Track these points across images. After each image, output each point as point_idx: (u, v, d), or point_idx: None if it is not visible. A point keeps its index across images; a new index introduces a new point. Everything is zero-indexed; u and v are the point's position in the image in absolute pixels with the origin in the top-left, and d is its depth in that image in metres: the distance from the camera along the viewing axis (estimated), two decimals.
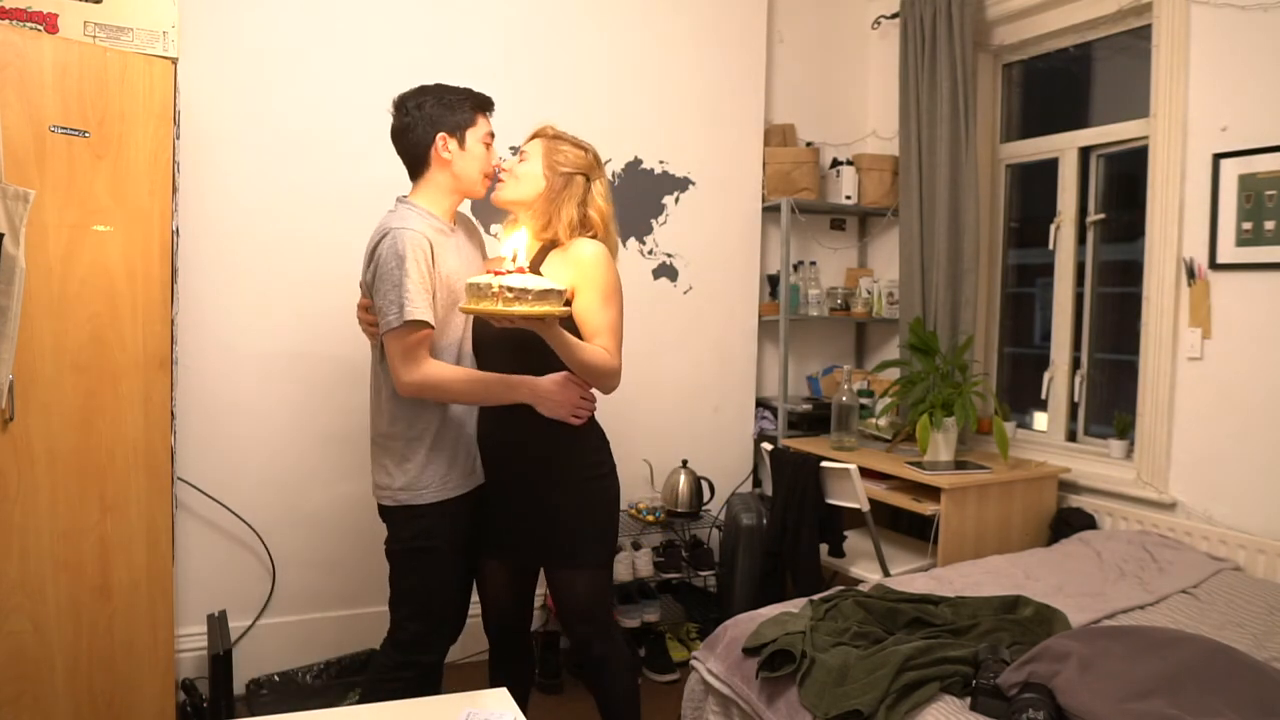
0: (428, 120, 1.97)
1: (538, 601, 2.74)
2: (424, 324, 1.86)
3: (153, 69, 2.17)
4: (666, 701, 2.82)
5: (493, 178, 2.07)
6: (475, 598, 2.17)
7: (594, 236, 2.01)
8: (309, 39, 2.87)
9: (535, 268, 1.96)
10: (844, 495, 2.84)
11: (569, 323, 1.91)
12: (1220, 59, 2.65)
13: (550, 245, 2.02)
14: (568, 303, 1.89)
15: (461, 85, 2.04)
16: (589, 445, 2.03)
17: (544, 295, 1.67)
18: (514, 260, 1.72)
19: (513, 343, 1.88)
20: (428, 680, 2.03)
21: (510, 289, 1.64)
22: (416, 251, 1.86)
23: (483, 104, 2.04)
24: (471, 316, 1.95)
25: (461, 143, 1.99)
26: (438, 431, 1.98)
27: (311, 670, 2.84)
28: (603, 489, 2.05)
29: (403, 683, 1.97)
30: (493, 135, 2.05)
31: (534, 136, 2.07)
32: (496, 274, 1.67)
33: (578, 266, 1.94)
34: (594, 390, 1.99)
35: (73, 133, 2.05)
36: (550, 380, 1.92)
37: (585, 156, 2.04)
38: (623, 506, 3.25)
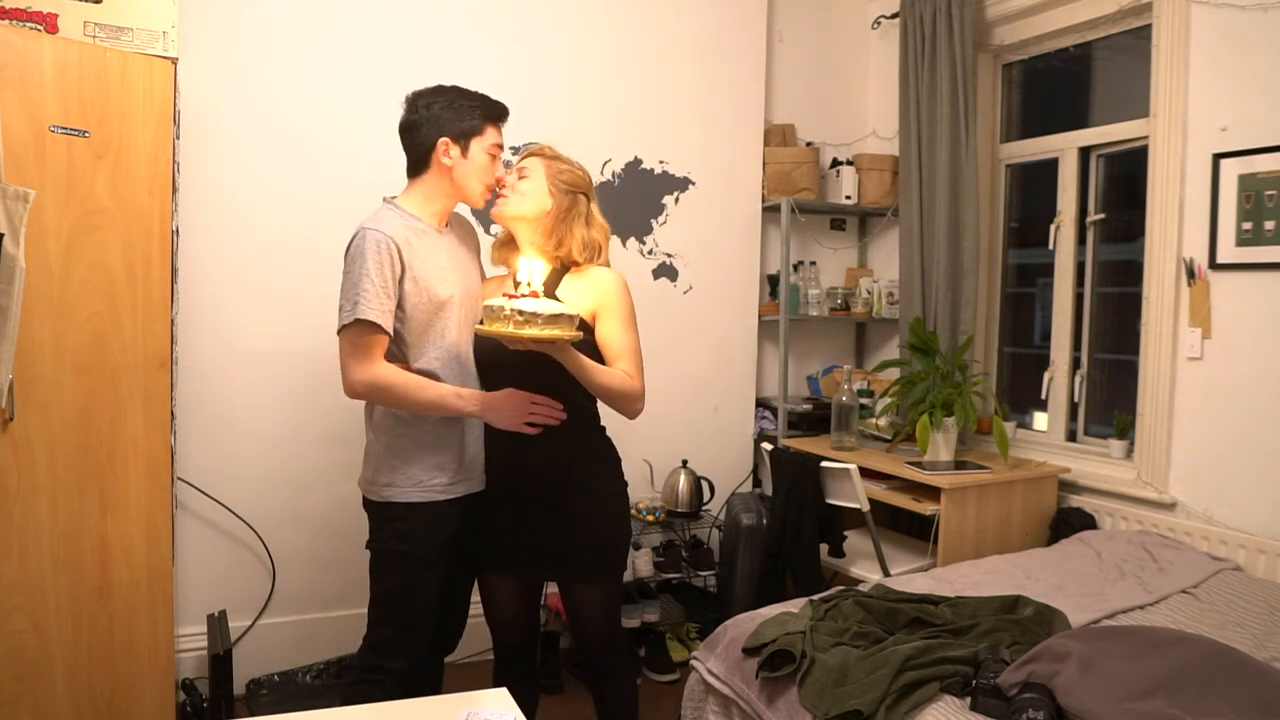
0: (434, 122, 1.94)
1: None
2: (375, 326, 1.84)
3: (153, 69, 2.17)
4: (666, 701, 2.82)
5: (494, 190, 2.02)
6: (472, 606, 2.15)
7: (598, 253, 2.03)
8: (309, 39, 2.87)
9: (551, 290, 1.96)
10: (844, 495, 2.84)
11: (591, 347, 1.92)
12: (1220, 59, 2.65)
13: (563, 268, 2.01)
14: (584, 327, 1.90)
15: (478, 91, 2.00)
16: (612, 460, 2.04)
17: (554, 319, 1.69)
18: (529, 285, 1.75)
19: (523, 366, 1.86)
20: (403, 689, 1.91)
21: (521, 312, 1.67)
22: (380, 253, 1.84)
23: (495, 114, 1.99)
24: (455, 324, 1.96)
25: (465, 150, 1.95)
26: (426, 432, 1.95)
27: (311, 670, 2.84)
28: (624, 504, 2.07)
29: (371, 686, 1.92)
30: (500, 147, 2.00)
31: (530, 155, 2.03)
32: (509, 297, 1.71)
33: (599, 293, 1.95)
34: (617, 413, 1.97)
35: (73, 133, 2.05)
36: (500, 393, 1.92)
37: (584, 176, 2.03)
38: None
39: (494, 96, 2.02)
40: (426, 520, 1.95)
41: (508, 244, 2.07)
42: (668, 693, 2.90)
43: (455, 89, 1.99)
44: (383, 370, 1.87)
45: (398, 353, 1.95)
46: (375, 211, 1.97)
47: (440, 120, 1.94)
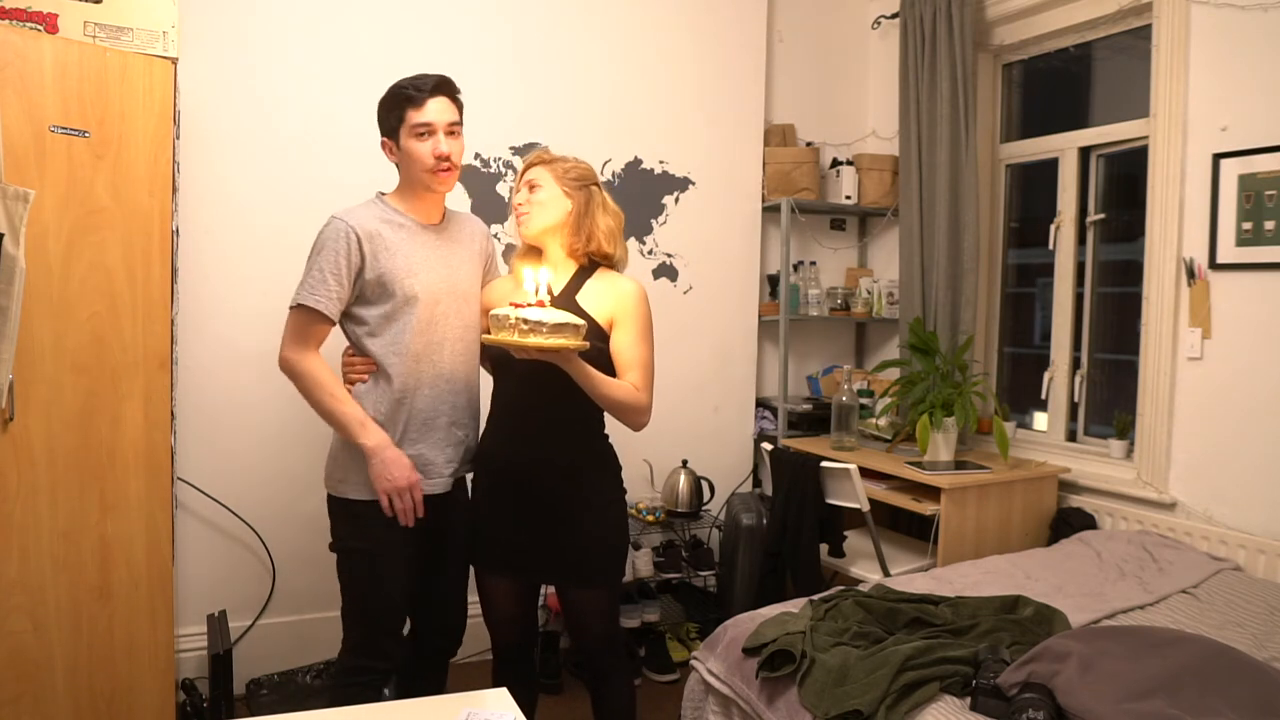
0: (379, 127, 2.01)
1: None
2: (316, 313, 1.90)
3: (153, 69, 2.17)
4: (666, 701, 2.82)
5: (437, 170, 1.96)
6: (472, 606, 2.15)
7: (620, 239, 2.04)
8: (309, 39, 2.87)
9: (574, 292, 1.96)
10: (844, 495, 2.84)
11: (605, 355, 1.91)
12: (1220, 59, 2.65)
13: (590, 267, 2.01)
14: (600, 334, 1.91)
15: (413, 75, 1.98)
16: (613, 466, 2.05)
17: (559, 329, 1.69)
18: (536, 293, 1.75)
19: (532, 371, 1.86)
20: (399, 689, 1.93)
21: (525, 321, 1.68)
22: (338, 242, 1.90)
23: (412, 96, 1.93)
24: (417, 320, 1.97)
25: (397, 144, 1.97)
26: (388, 429, 1.95)
27: (311, 670, 2.83)
28: (622, 510, 2.08)
29: (358, 688, 1.92)
30: (429, 124, 1.93)
31: (532, 165, 2.00)
32: (516, 306, 1.72)
33: (619, 301, 1.95)
34: (620, 424, 1.96)
35: (73, 133, 2.05)
36: (395, 455, 1.90)
37: (588, 167, 2.03)
38: None
39: (433, 72, 1.99)
40: (382, 516, 1.94)
41: (529, 254, 2.04)
42: (668, 693, 2.90)
43: (392, 86, 1.98)
44: (307, 360, 1.92)
45: (356, 339, 1.99)
46: (359, 203, 2.00)
47: (379, 123, 2.00)
